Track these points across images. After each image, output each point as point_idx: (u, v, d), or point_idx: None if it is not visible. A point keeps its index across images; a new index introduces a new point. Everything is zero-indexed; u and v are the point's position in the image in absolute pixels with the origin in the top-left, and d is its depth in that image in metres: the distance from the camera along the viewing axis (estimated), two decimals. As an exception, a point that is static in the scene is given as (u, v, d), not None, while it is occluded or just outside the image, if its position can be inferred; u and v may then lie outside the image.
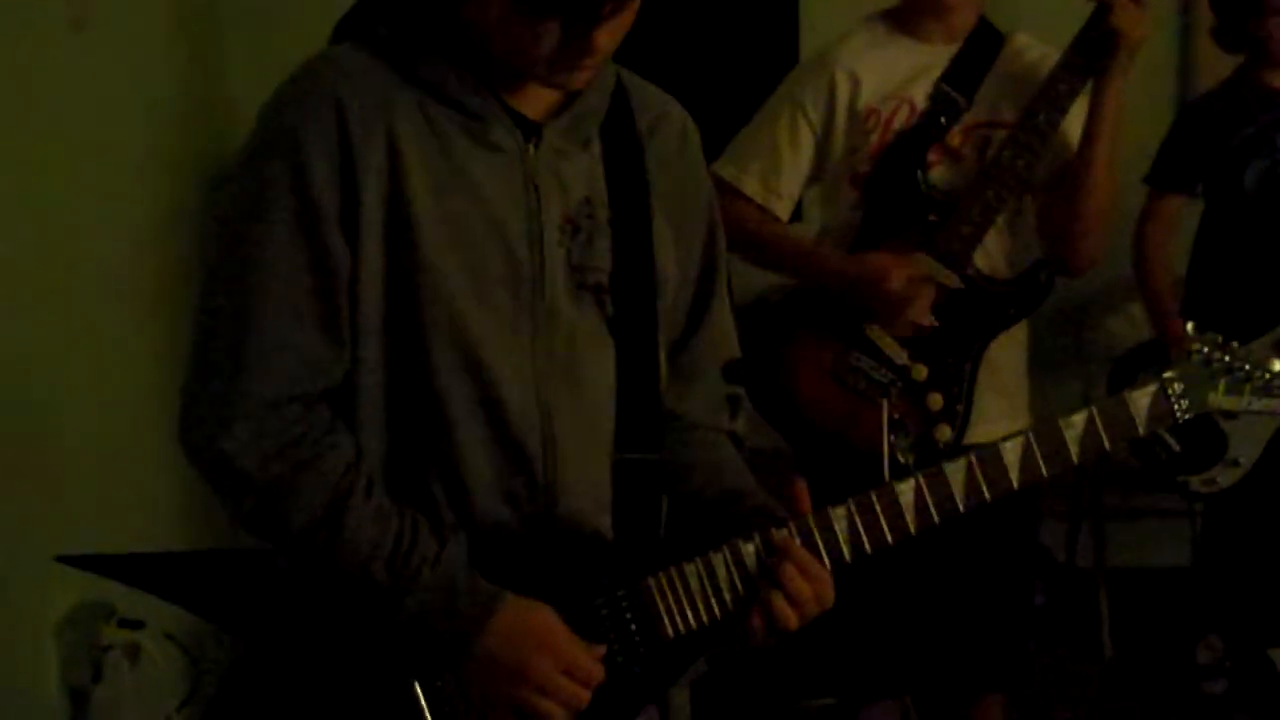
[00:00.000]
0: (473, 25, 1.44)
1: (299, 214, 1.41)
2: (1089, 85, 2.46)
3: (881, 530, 1.50)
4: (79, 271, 2.56)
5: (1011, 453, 1.52)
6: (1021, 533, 2.70)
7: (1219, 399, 1.46)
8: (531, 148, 1.49)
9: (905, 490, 1.49)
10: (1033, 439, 1.51)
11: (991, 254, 2.53)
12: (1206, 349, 1.55)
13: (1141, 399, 1.51)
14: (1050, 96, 2.44)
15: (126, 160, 2.65)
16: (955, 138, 2.53)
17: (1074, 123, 2.51)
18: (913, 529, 1.51)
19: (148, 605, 1.79)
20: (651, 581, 1.48)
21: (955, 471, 1.50)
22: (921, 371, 2.49)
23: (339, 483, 1.42)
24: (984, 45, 2.57)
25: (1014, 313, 2.54)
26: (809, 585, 1.47)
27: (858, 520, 1.49)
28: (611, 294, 1.54)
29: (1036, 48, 2.60)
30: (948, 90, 2.52)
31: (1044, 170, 2.53)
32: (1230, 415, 1.44)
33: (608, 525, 1.54)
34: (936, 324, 2.47)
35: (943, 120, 2.52)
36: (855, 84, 2.57)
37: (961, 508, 1.51)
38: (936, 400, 2.48)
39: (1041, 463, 1.53)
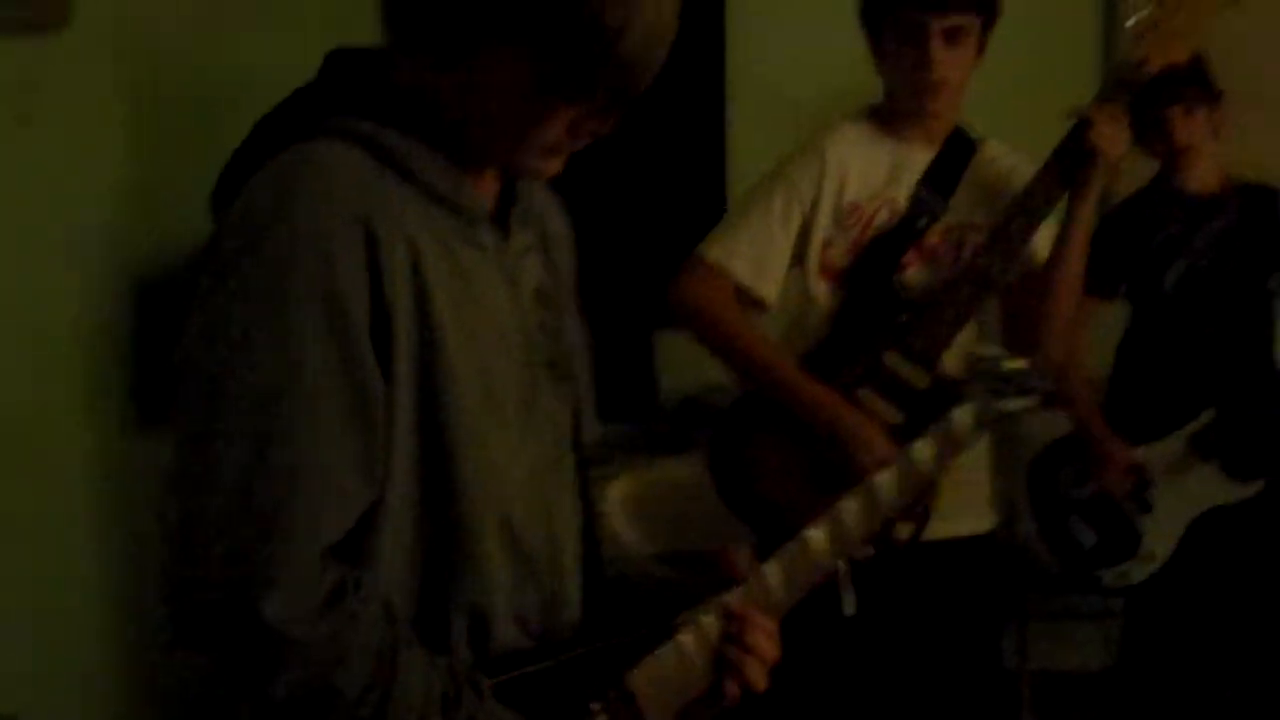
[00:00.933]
0: (461, 106, 1.38)
1: (336, 336, 1.29)
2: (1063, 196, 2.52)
3: (809, 576, 1.53)
4: (25, 359, 2.57)
5: (889, 479, 1.55)
6: (984, 643, 2.75)
7: (1004, 405, 1.51)
8: (504, 245, 1.46)
9: (816, 537, 1.51)
10: (900, 466, 1.54)
11: (955, 354, 2.56)
12: (986, 369, 1.56)
13: (965, 418, 1.54)
14: (1026, 205, 2.49)
15: (76, 250, 2.67)
16: (932, 239, 2.58)
17: (1042, 231, 2.57)
18: (827, 570, 1.55)
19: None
20: (635, 675, 1.46)
21: (849, 506, 1.51)
22: None
23: (383, 639, 1.31)
24: (960, 150, 2.63)
25: None
26: (771, 644, 1.49)
27: (788, 574, 1.52)
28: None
29: (1009, 156, 2.67)
30: (927, 192, 2.59)
31: (1012, 276, 2.59)
32: (1008, 416, 1.52)
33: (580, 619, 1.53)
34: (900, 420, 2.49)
35: (922, 222, 2.58)
36: (843, 177, 2.61)
37: (860, 542, 1.55)
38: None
39: (909, 487, 1.56)
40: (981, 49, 2.59)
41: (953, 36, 2.51)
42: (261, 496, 1.26)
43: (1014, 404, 1.53)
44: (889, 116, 2.66)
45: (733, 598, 1.49)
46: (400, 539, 1.36)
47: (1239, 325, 3.29)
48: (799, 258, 2.65)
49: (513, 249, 1.47)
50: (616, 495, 3.21)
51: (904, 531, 2.49)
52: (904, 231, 2.57)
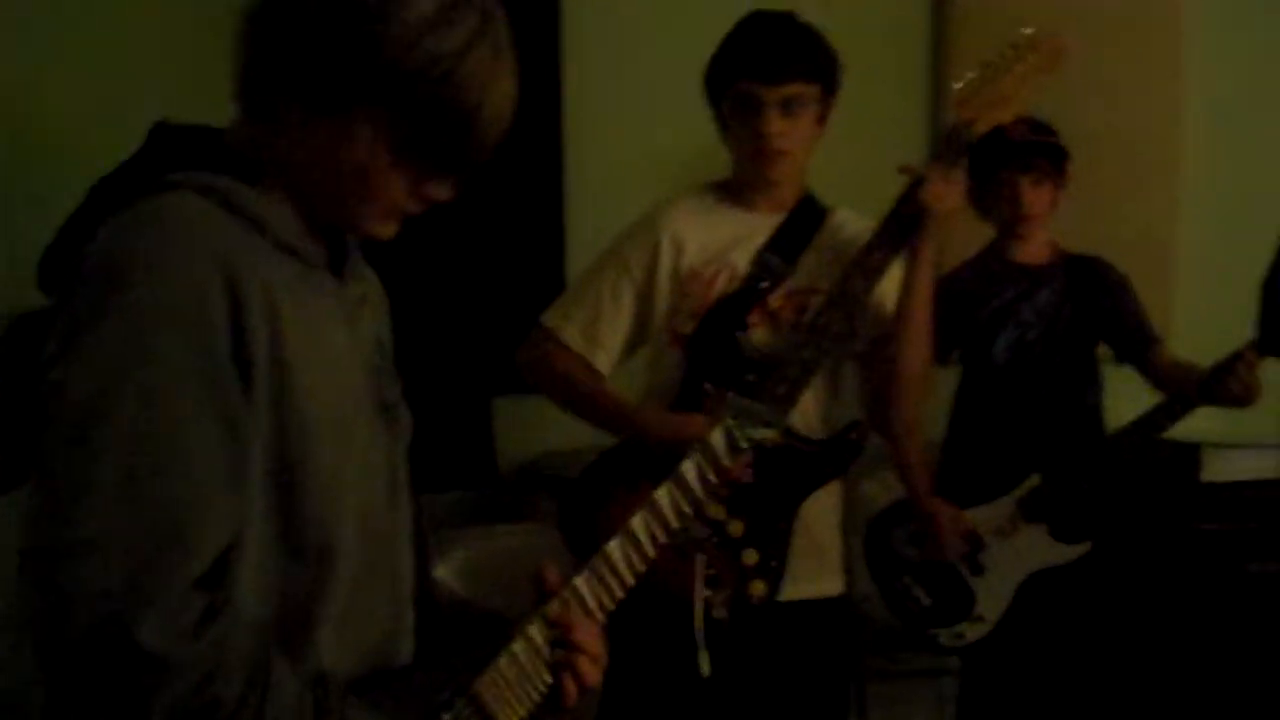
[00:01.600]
0: (312, 167, 1.43)
1: (202, 369, 1.33)
2: (902, 255, 2.57)
3: (612, 588, 1.67)
4: None
5: (665, 501, 1.71)
6: (835, 704, 2.76)
7: (753, 434, 1.76)
8: (342, 293, 1.52)
9: (614, 549, 1.68)
10: (672, 485, 1.71)
11: (809, 414, 2.59)
12: (736, 404, 1.79)
13: (718, 439, 1.73)
14: (864, 265, 2.53)
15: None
16: (776, 302, 2.61)
17: (891, 293, 2.62)
18: (630, 579, 1.68)
19: None
20: (478, 683, 1.54)
21: (638, 526, 1.69)
22: (738, 527, 2.53)
23: (255, 650, 1.35)
24: (807, 217, 2.67)
25: (828, 471, 2.62)
26: (595, 641, 1.62)
27: (595, 583, 1.66)
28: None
29: (858, 221, 2.70)
30: (770, 256, 2.62)
31: (864, 339, 2.63)
32: (760, 446, 1.79)
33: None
34: (752, 480, 2.50)
35: (763, 285, 2.60)
36: (680, 247, 2.65)
37: (651, 553, 1.69)
38: (752, 556, 2.52)
39: (682, 502, 1.72)
40: (823, 118, 2.64)
41: (789, 107, 2.55)
42: (135, 528, 1.28)
43: (757, 433, 1.75)
44: (735, 186, 2.70)
45: (551, 607, 1.62)
46: (258, 567, 1.40)
47: (1065, 392, 3.37)
48: (644, 331, 2.69)
49: (350, 296, 1.52)
50: (455, 561, 3.21)
51: (758, 589, 2.51)
52: (746, 295, 2.61)
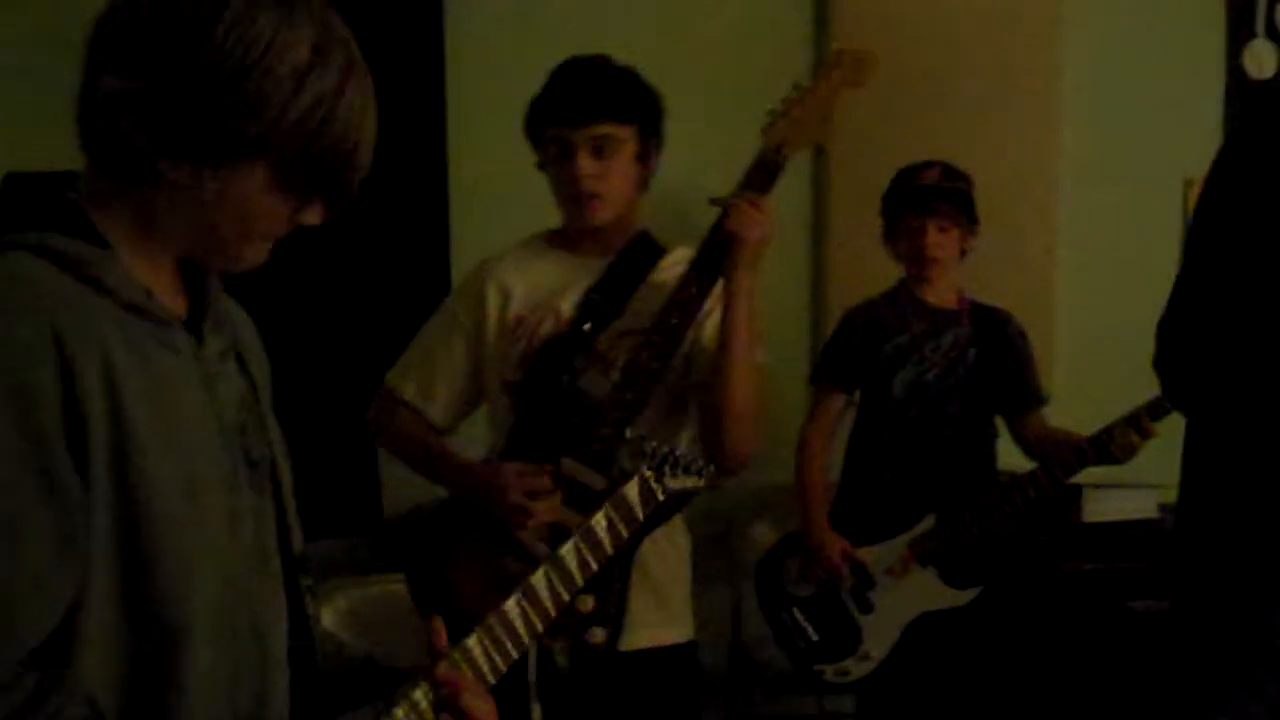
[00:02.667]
0: (183, 214, 1.42)
1: (26, 442, 1.29)
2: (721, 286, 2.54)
3: (507, 649, 1.64)
4: None
5: (571, 557, 1.69)
6: None
7: (673, 482, 1.74)
8: (199, 350, 1.48)
9: (511, 608, 1.65)
10: (579, 540, 1.69)
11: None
12: (652, 449, 1.78)
13: (632, 491, 1.72)
14: (680, 299, 2.51)
15: None
16: (604, 344, 2.59)
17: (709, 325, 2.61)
18: (527, 639, 1.66)
19: None
20: None
21: (539, 582, 1.66)
22: None
23: None
24: (640, 257, 2.65)
25: (657, 516, 2.56)
26: (485, 705, 1.58)
27: (488, 644, 1.63)
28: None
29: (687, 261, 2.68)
30: (595, 298, 2.60)
31: (700, 374, 2.61)
32: (689, 494, 1.80)
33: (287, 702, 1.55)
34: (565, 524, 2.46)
35: (587, 327, 2.58)
36: (506, 295, 2.65)
37: (553, 613, 1.67)
38: (587, 602, 2.48)
39: (590, 557, 1.71)
40: (645, 157, 2.64)
41: (600, 148, 2.56)
42: None
43: (678, 483, 1.72)
44: (562, 232, 2.71)
45: (439, 668, 1.56)
46: (104, 639, 1.35)
47: (962, 437, 3.41)
48: (478, 380, 2.70)
49: (208, 354, 1.49)
50: (338, 609, 3.16)
51: (597, 636, 2.49)
52: (570, 338, 2.59)
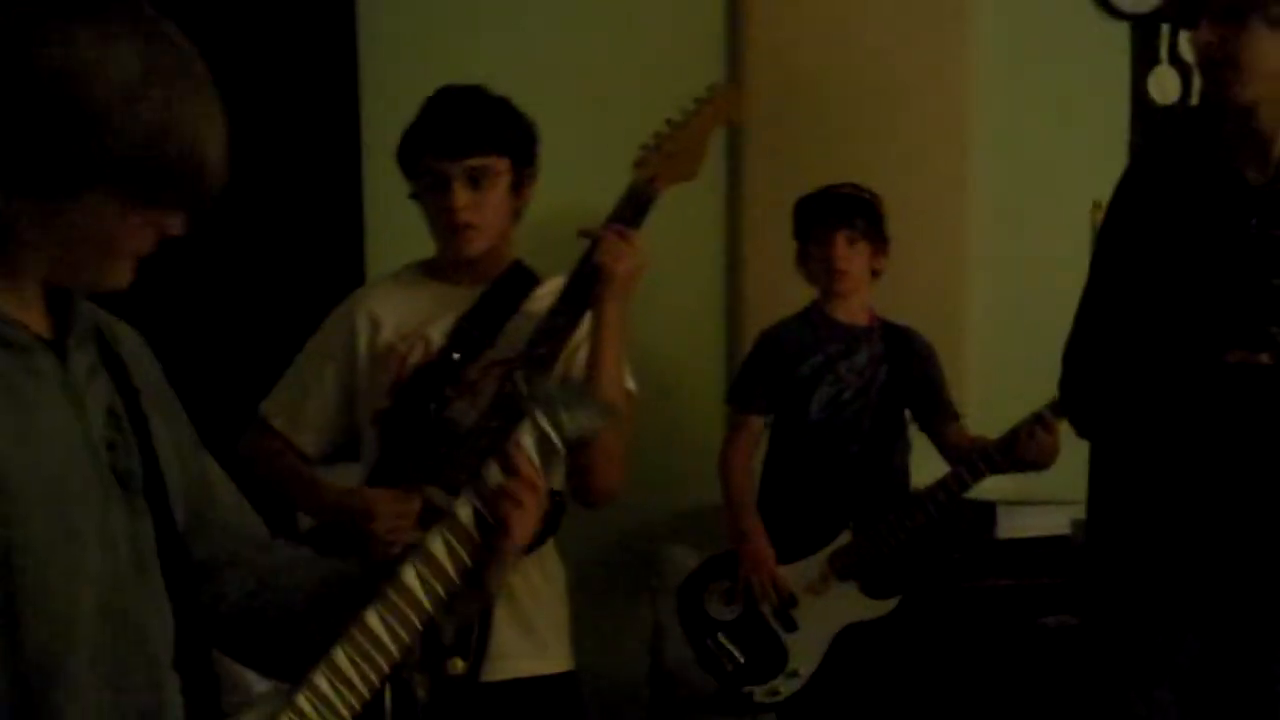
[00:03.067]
0: (45, 239, 1.39)
1: None
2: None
3: (410, 615, 1.54)
4: None
5: (465, 510, 1.58)
6: None
7: (567, 427, 1.61)
8: (64, 369, 1.45)
9: (409, 573, 1.53)
10: (474, 497, 1.58)
11: None
12: (540, 393, 1.66)
13: (526, 438, 1.61)
14: (549, 329, 2.49)
15: None
16: (475, 373, 2.56)
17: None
18: (429, 606, 1.55)
19: None
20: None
21: (434, 543, 1.55)
22: None
23: None
24: (514, 286, 2.63)
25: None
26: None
27: (388, 614, 1.52)
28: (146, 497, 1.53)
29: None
30: (467, 328, 2.58)
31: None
32: (582, 441, 1.64)
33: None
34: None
35: (456, 356, 2.56)
36: (376, 324, 2.63)
37: (455, 577, 1.56)
38: (448, 633, 2.46)
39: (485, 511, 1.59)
40: (519, 188, 2.63)
41: (475, 180, 2.55)
42: None
43: (579, 424, 1.62)
44: (436, 262, 2.70)
45: (337, 655, 1.48)
46: None
47: (876, 452, 3.46)
48: (349, 409, 2.67)
49: (74, 372, 1.45)
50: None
51: (457, 666, 2.46)
52: (439, 366, 2.57)
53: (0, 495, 1.33)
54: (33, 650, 1.36)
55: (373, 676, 1.49)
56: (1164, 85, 4.29)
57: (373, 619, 1.49)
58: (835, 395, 3.44)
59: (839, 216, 3.40)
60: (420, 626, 1.53)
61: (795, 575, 3.37)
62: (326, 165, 3.66)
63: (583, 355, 2.57)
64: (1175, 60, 4.27)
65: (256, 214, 3.53)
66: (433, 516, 2.41)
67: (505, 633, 2.53)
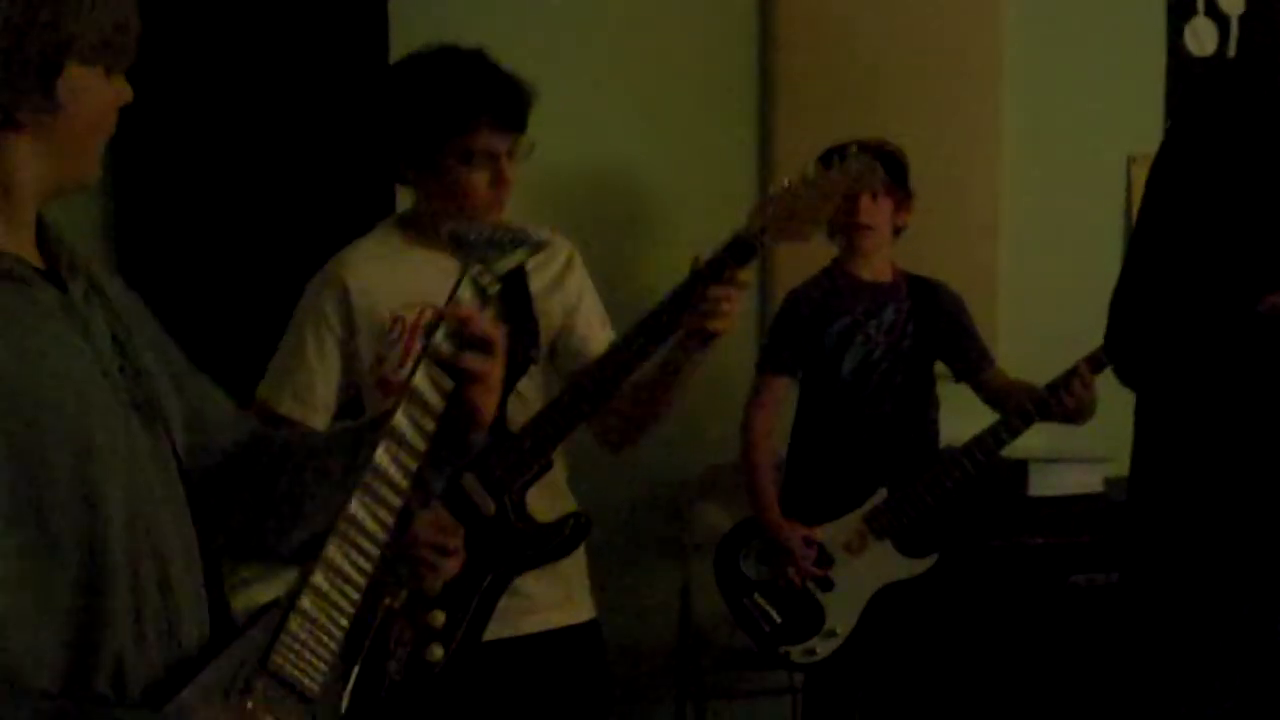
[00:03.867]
0: (47, 138, 1.45)
1: None
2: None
3: (391, 495, 1.55)
4: None
5: (422, 379, 1.56)
6: None
7: (501, 265, 1.65)
8: (66, 298, 1.49)
9: (381, 456, 1.54)
10: (426, 362, 1.57)
11: (537, 496, 2.52)
12: (476, 234, 1.68)
13: (465, 292, 1.62)
14: (623, 356, 2.42)
15: None
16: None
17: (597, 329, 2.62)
18: (404, 483, 1.56)
19: None
20: (273, 656, 1.48)
21: (399, 420, 1.55)
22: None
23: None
24: None
25: (534, 557, 2.52)
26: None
27: (370, 499, 1.54)
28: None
29: (554, 241, 2.63)
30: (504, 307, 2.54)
31: (570, 363, 2.60)
32: (506, 276, 1.66)
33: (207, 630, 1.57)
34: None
35: (532, 353, 2.54)
36: (368, 293, 2.56)
37: (423, 446, 1.56)
38: (438, 617, 2.44)
39: (439, 377, 1.57)
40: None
41: (511, 154, 2.51)
42: None
43: (508, 260, 1.65)
44: (416, 222, 2.62)
45: (329, 550, 1.52)
46: (19, 600, 1.36)
47: (907, 409, 3.44)
48: (351, 380, 2.61)
49: (75, 300, 1.50)
50: (277, 592, 3.12)
51: (436, 654, 2.44)
52: (510, 363, 2.51)
53: (26, 425, 1.37)
54: (73, 558, 1.40)
55: (365, 564, 1.53)
56: (1201, 37, 4.24)
57: (356, 506, 1.52)
58: (866, 355, 3.42)
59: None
60: (399, 503, 1.55)
61: (831, 534, 3.35)
62: (357, 136, 3.62)
63: (581, 322, 2.61)
64: (1212, 11, 4.22)
65: (290, 185, 3.53)
66: (468, 514, 2.42)
67: (533, 586, 2.54)
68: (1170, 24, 4.24)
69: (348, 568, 1.52)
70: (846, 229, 3.41)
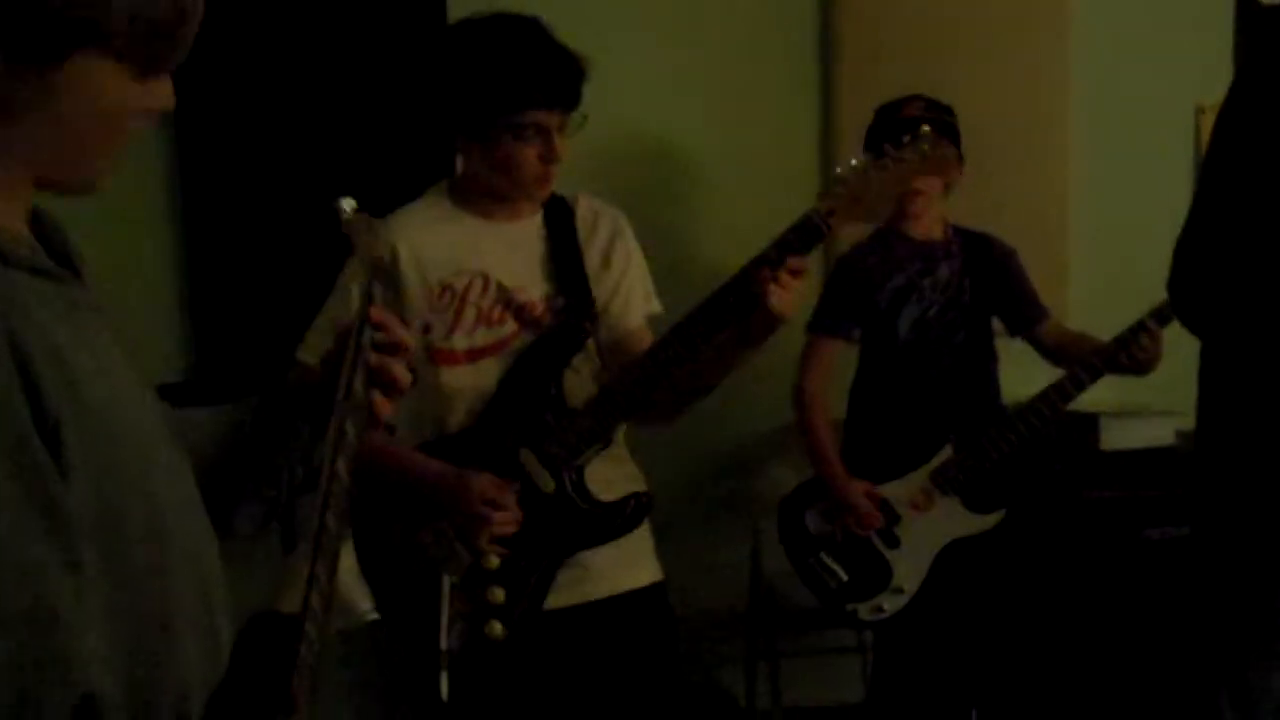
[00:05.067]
0: (48, 132, 1.31)
1: (4, 451, 1.20)
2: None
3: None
4: None
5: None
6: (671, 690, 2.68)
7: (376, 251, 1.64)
8: (89, 295, 1.38)
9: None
10: (360, 372, 1.54)
11: (600, 475, 2.51)
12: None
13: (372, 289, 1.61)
14: (686, 337, 2.39)
15: None
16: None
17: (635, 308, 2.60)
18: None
19: None
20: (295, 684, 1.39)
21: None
22: (493, 562, 2.45)
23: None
24: (561, 219, 2.59)
25: (596, 536, 2.51)
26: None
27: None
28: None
29: (601, 210, 2.63)
30: (563, 287, 2.54)
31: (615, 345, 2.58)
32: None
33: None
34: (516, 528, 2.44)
35: (587, 325, 2.53)
36: (421, 259, 2.53)
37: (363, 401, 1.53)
38: (498, 594, 2.45)
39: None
40: None
41: (562, 129, 2.49)
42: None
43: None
44: (468, 190, 2.60)
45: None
46: (100, 629, 1.26)
47: (968, 365, 3.43)
48: None
49: (95, 299, 1.39)
50: (347, 562, 3.17)
51: (496, 630, 2.45)
52: (565, 333, 2.53)
53: (99, 440, 1.28)
54: (149, 588, 1.33)
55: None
56: (1269, -15, 4.17)
57: (331, 520, 1.43)
58: (922, 313, 3.40)
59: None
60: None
61: (897, 492, 3.35)
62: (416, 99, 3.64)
63: (618, 303, 2.58)
64: (1281, -41, 4.15)
65: (349, 150, 3.56)
66: (527, 492, 2.44)
67: (601, 552, 2.53)
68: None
69: (324, 580, 1.41)
70: (904, 199, 3.38)
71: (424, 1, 3.65)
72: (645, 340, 2.57)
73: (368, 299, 1.57)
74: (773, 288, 2.30)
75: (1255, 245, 2.54)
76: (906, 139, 2.38)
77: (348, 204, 1.65)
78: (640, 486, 2.60)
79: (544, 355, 2.52)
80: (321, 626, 1.38)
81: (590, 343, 2.56)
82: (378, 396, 1.55)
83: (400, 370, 1.56)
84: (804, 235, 2.34)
